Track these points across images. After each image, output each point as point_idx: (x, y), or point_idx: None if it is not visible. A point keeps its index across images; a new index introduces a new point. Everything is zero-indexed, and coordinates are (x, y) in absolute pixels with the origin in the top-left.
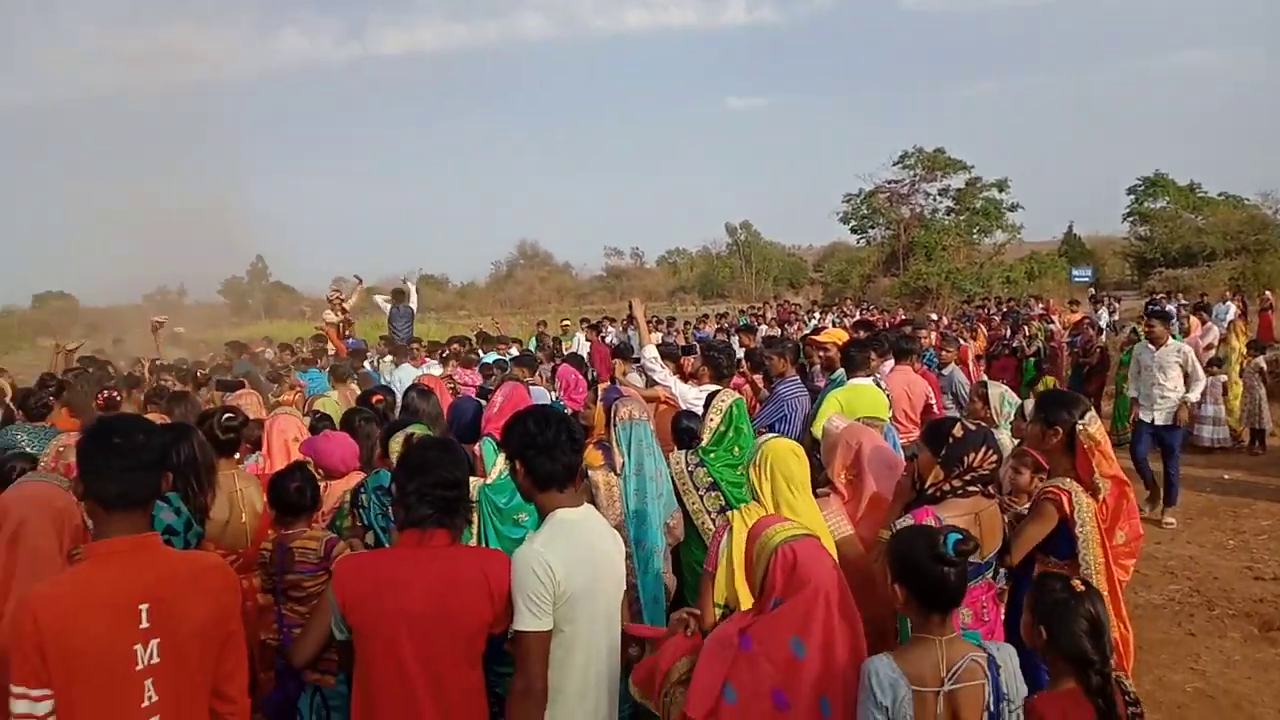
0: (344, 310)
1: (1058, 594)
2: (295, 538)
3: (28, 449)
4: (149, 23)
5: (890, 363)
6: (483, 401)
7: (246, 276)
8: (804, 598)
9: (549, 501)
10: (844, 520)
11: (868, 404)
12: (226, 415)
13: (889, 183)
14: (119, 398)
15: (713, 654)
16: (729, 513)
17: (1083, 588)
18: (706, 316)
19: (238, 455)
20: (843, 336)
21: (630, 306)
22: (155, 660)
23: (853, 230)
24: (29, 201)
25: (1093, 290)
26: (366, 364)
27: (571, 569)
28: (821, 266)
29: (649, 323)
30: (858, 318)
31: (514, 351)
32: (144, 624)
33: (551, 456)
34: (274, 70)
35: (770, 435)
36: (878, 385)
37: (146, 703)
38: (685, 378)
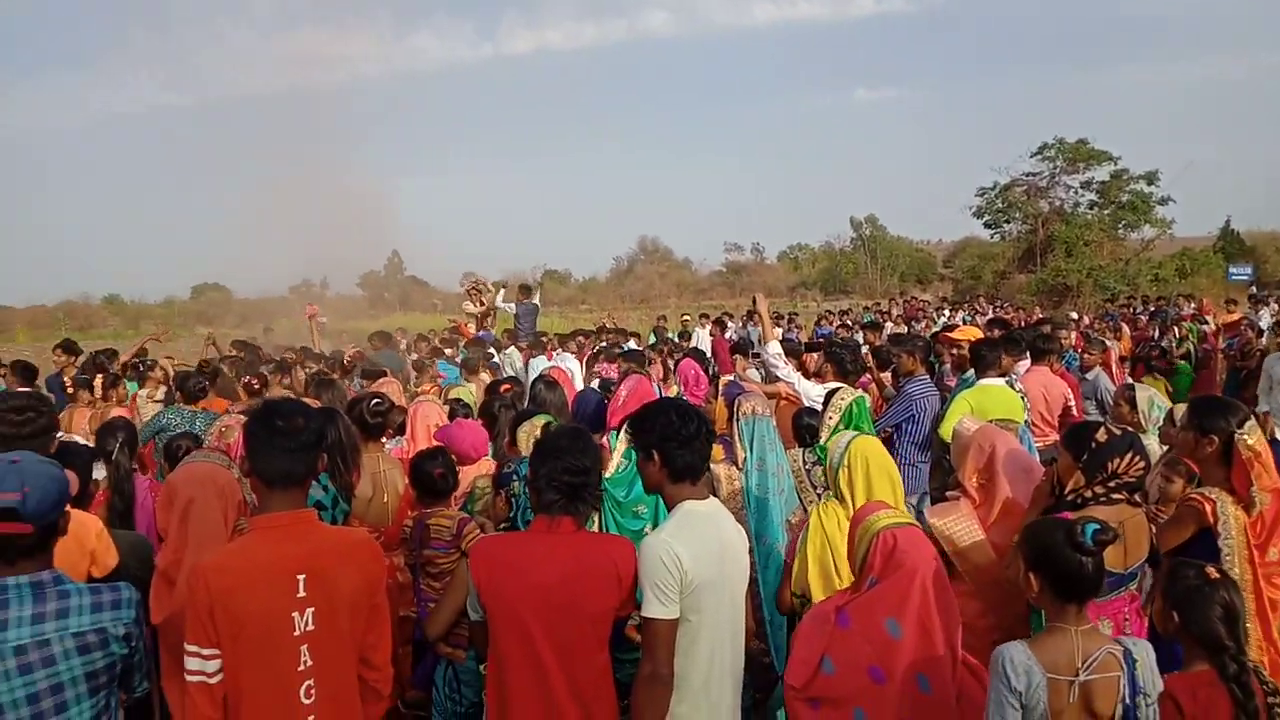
0: (482, 303)
1: (1191, 580)
2: (432, 515)
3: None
4: (297, 26)
5: (1026, 362)
6: (604, 394)
7: (383, 270)
8: (899, 579)
9: (678, 493)
10: (974, 525)
11: (1000, 405)
12: (375, 401)
13: (1027, 175)
14: (259, 384)
15: (811, 629)
16: (811, 508)
17: (1217, 575)
18: (829, 313)
19: (383, 439)
20: (977, 334)
21: (754, 302)
22: (310, 627)
23: (986, 225)
24: (189, 199)
25: (1253, 289)
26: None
27: (699, 560)
28: (951, 262)
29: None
30: (991, 315)
31: (632, 345)
32: (301, 593)
33: (691, 449)
34: (411, 71)
35: (853, 433)
36: (1011, 386)
37: (302, 666)
38: (808, 375)
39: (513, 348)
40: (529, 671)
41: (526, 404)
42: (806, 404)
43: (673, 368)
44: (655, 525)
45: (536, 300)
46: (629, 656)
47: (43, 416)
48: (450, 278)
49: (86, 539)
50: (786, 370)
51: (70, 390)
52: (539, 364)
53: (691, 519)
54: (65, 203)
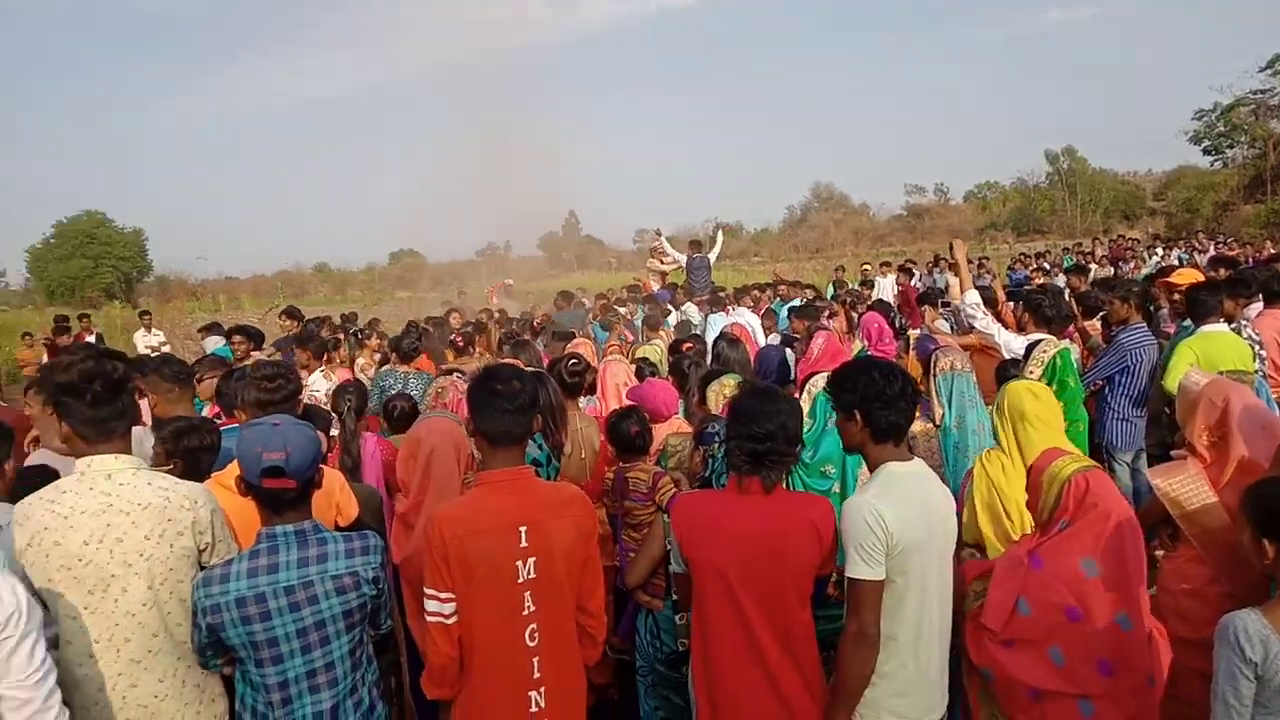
0: (663, 261)
1: None
2: (631, 469)
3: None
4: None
5: (1258, 305)
6: (788, 350)
7: (561, 231)
8: (1094, 520)
9: (882, 454)
10: (1204, 486)
11: (1230, 355)
12: (572, 361)
13: (1254, 93)
14: (464, 342)
15: (1005, 573)
16: (976, 458)
17: None
18: (1024, 256)
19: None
20: (1197, 277)
21: (951, 249)
22: (532, 575)
23: (1205, 152)
24: (388, 171)
25: None
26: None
27: (904, 521)
28: (1163, 195)
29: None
30: (1213, 253)
31: (796, 302)
32: (523, 543)
33: (895, 409)
34: (582, 32)
35: (1014, 382)
36: (1238, 333)
37: (526, 610)
38: (1006, 326)
39: (690, 304)
40: (733, 624)
41: (710, 362)
42: (1008, 356)
43: (856, 321)
44: (843, 485)
45: (714, 255)
46: (825, 613)
47: (291, 383)
48: (624, 235)
49: (333, 492)
50: (985, 321)
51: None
52: (717, 320)
53: (896, 480)
54: (280, 180)
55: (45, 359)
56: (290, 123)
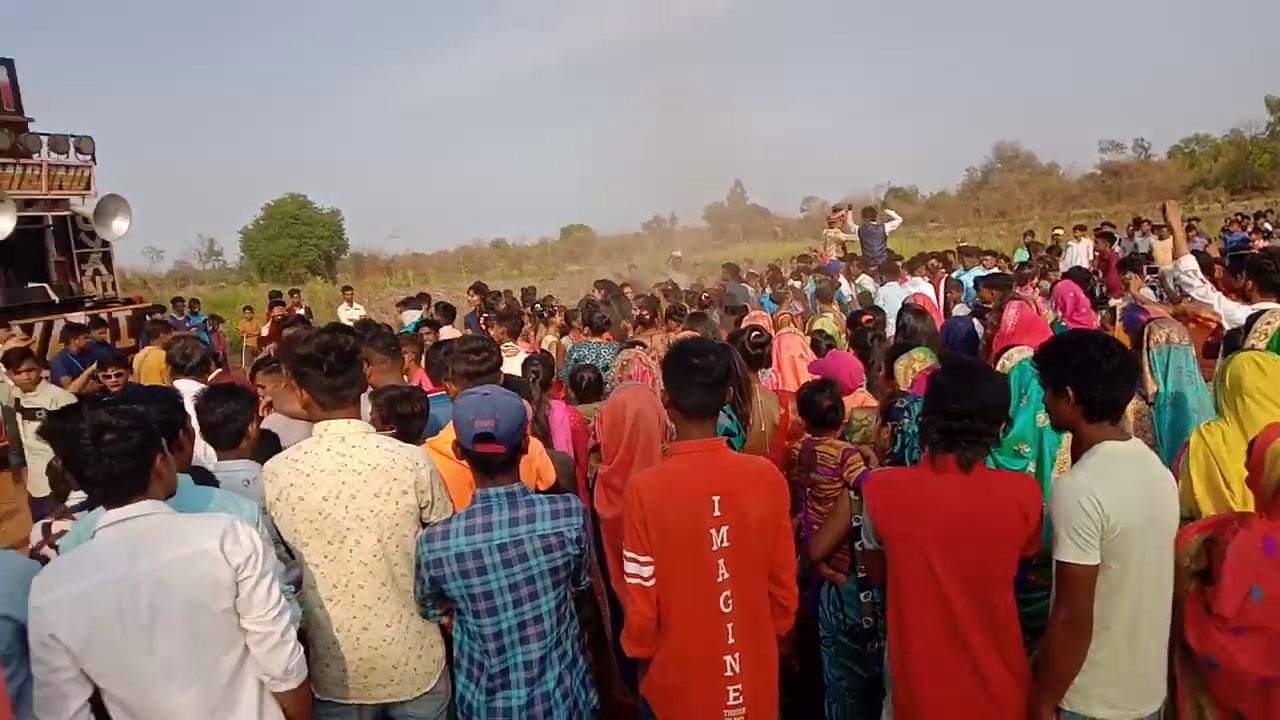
0: (845, 230)
1: None
2: (820, 443)
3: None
4: None
5: None
6: (976, 321)
7: (726, 201)
8: None
9: (1097, 433)
10: None
11: None
12: (755, 333)
13: None
14: (650, 316)
15: (1238, 559)
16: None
17: None
18: (1240, 216)
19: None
20: None
21: (1164, 210)
22: (725, 544)
23: None
24: (561, 145)
25: None
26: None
27: (1121, 505)
28: None
29: (1163, 227)
30: None
31: (979, 270)
32: (716, 512)
33: (1113, 385)
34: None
35: (1239, 352)
36: None
37: (720, 578)
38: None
39: (864, 275)
40: (933, 604)
41: (894, 334)
42: (1229, 327)
43: (1048, 290)
44: (1040, 465)
45: (891, 225)
46: (1026, 596)
47: (495, 355)
48: (791, 204)
49: (533, 458)
50: (1204, 289)
51: (484, 328)
52: (889, 292)
53: (1113, 461)
54: (463, 159)
55: (265, 331)
56: (470, 104)
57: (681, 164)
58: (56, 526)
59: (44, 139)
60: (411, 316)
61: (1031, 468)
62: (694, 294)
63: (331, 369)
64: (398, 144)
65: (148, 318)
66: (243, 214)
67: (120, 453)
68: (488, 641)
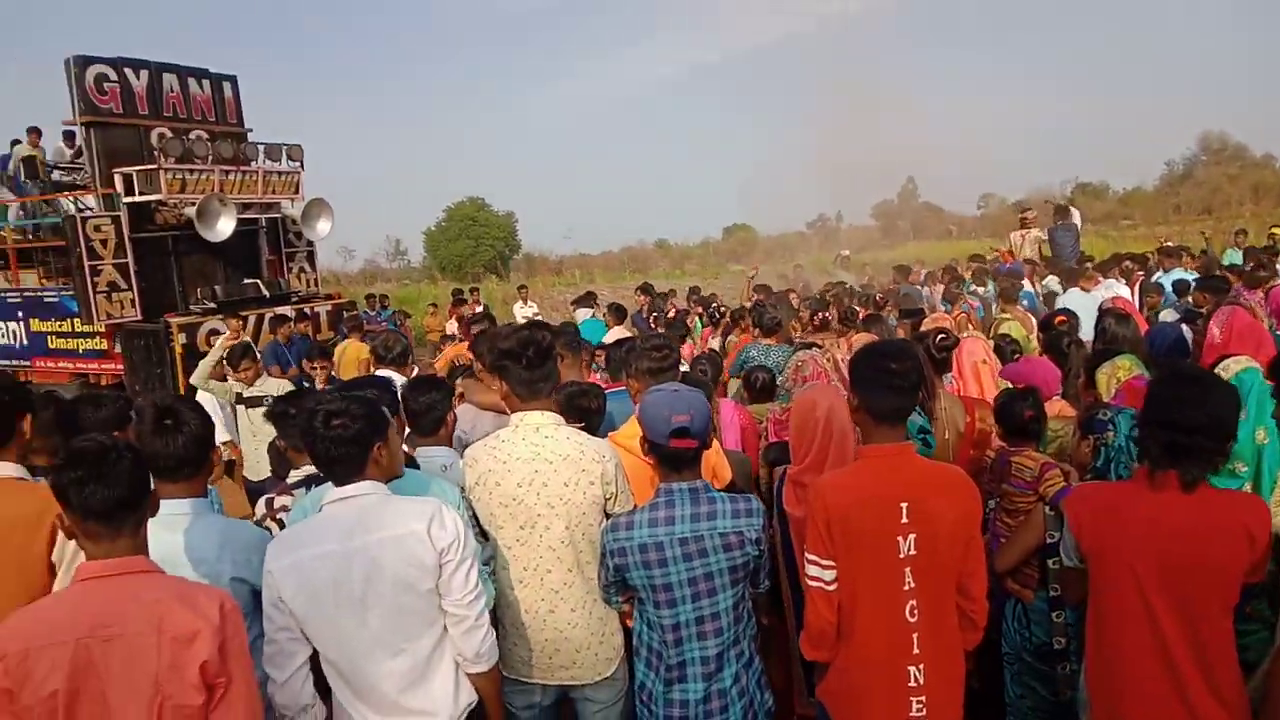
0: (1027, 226)
1: None
2: (1017, 453)
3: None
4: None
5: None
6: (1184, 327)
7: (895, 199)
8: None
9: None
10: None
11: None
12: (940, 336)
13: None
14: (830, 318)
15: None
16: None
17: None
18: None
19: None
20: None
21: None
22: (913, 552)
23: None
24: (723, 143)
25: None
26: (1026, 284)
27: None
28: None
29: None
30: None
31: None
32: (904, 519)
33: None
34: None
35: None
36: None
37: (906, 586)
38: None
39: (1051, 276)
40: (1141, 628)
41: (1094, 340)
42: None
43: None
44: (1256, 485)
45: (1076, 220)
46: (1240, 628)
47: (674, 353)
48: (966, 202)
49: (710, 456)
50: None
51: (653, 326)
52: (1078, 297)
53: None
54: (627, 161)
55: (448, 328)
56: (634, 106)
57: (848, 161)
58: (278, 501)
59: (261, 148)
60: (584, 314)
61: (1247, 487)
62: (866, 295)
63: (530, 363)
64: (568, 147)
65: (344, 313)
66: (426, 216)
67: (343, 439)
68: (666, 633)
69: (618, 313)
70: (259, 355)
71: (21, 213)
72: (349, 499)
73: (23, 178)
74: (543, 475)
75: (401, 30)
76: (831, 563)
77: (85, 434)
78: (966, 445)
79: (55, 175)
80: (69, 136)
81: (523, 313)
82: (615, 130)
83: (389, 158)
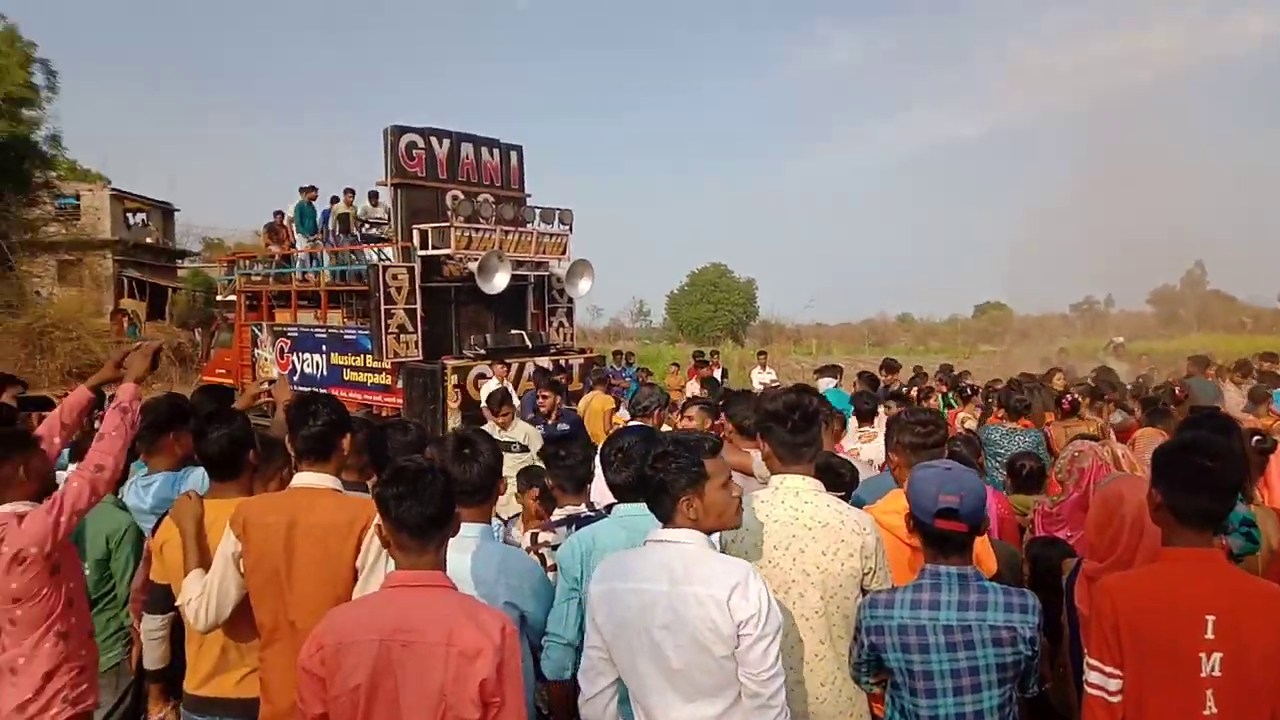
0: None
1: None
2: None
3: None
4: (1087, 36)
5: None
6: None
7: (1179, 284)
8: None
9: None
10: None
11: None
12: (1257, 438)
13: None
14: (1070, 406)
15: None
16: None
17: None
18: None
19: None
20: None
21: None
22: (1217, 673)
23: None
24: (977, 220)
25: None
26: None
27: None
28: None
29: None
30: None
31: None
32: (1209, 634)
33: None
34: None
35: None
36: None
37: (1207, 711)
38: None
39: None
40: None
41: None
42: None
43: None
44: None
45: None
46: None
47: (941, 429)
48: (1266, 290)
49: (975, 543)
50: None
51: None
52: None
53: None
54: (871, 233)
55: (687, 388)
56: (883, 178)
57: (1122, 241)
58: (542, 536)
59: (537, 211)
60: (827, 384)
61: None
62: (1143, 387)
63: (795, 426)
64: (813, 216)
65: (593, 366)
66: (669, 280)
67: (672, 483)
68: None
69: (871, 383)
70: (516, 402)
71: (333, 260)
72: (669, 543)
73: (337, 231)
74: (800, 541)
75: (659, 107)
76: (1117, 671)
77: (393, 456)
78: (1277, 565)
79: (364, 229)
80: (374, 196)
81: (760, 378)
82: (862, 201)
83: (639, 221)
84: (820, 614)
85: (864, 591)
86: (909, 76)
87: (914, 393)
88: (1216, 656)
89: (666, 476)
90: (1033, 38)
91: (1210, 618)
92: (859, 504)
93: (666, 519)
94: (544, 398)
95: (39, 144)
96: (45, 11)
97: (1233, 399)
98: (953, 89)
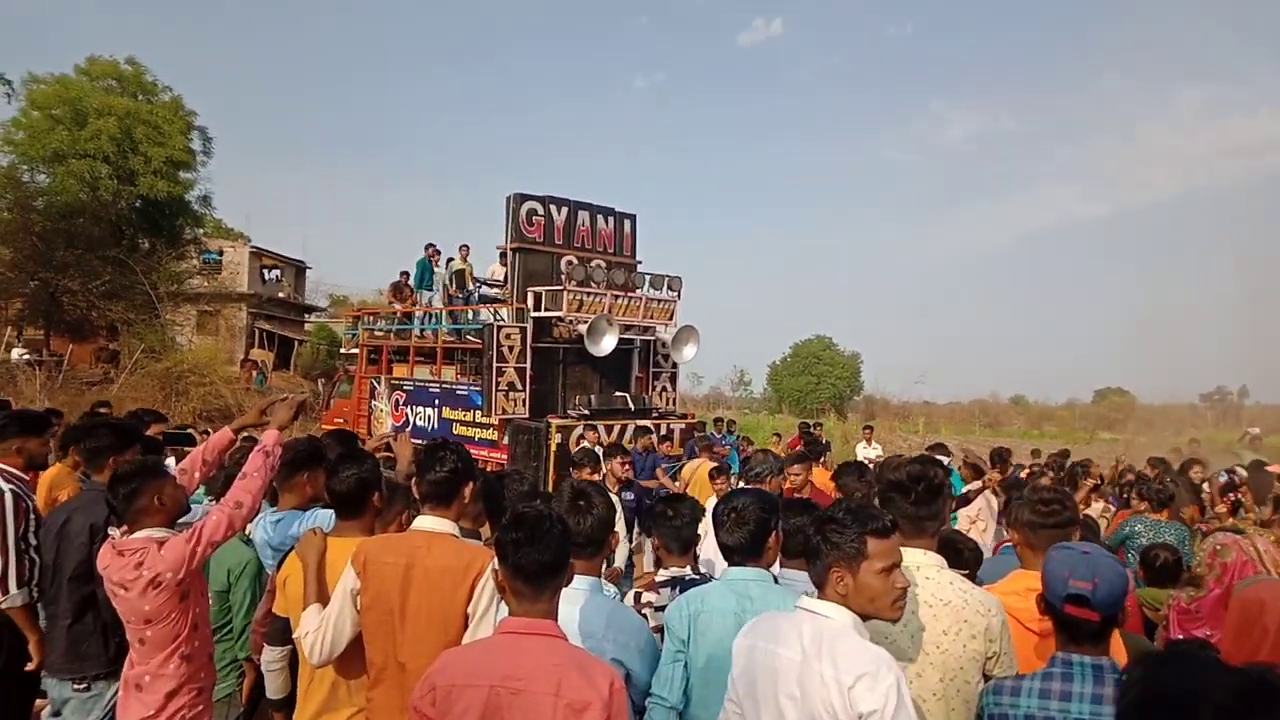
0: None
1: None
2: None
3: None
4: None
5: None
6: None
7: None
8: None
9: None
10: None
11: None
12: None
13: None
14: (1244, 499)
15: None
16: None
17: None
18: None
19: None
20: None
21: None
22: None
23: None
24: (1100, 302)
25: None
26: None
27: None
28: None
29: None
30: None
31: None
32: None
33: None
34: None
35: None
36: None
37: None
38: None
39: None
40: None
41: None
42: None
43: None
44: None
45: None
46: None
47: (1067, 510)
48: None
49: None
50: None
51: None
52: None
53: None
54: (986, 312)
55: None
56: (1000, 257)
57: (1258, 330)
58: (645, 596)
59: (647, 277)
60: None
61: None
62: None
63: (919, 498)
64: (923, 294)
65: (695, 432)
66: (771, 350)
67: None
68: None
69: (975, 470)
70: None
71: (450, 319)
72: (814, 614)
73: (454, 286)
74: (919, 618)
75: (770, 174)
76: None
77: (509, 505)
78: None
79: (483, 289)
80: (503, 257)
81: (866, 453)
82: (978, 279)
83: (744, 291)
84: (939, 697)
85: (987, 678)
86: (1030, 155)
87: (1026, 475)
88: None
89: (822, 544)
90: (1159, 116)
91: None
92: (980, 584)
93: (820, 588)
94: (622, 463)
95: (191, 203)
96: (198, 77)
97: None
98: (1075, 168)
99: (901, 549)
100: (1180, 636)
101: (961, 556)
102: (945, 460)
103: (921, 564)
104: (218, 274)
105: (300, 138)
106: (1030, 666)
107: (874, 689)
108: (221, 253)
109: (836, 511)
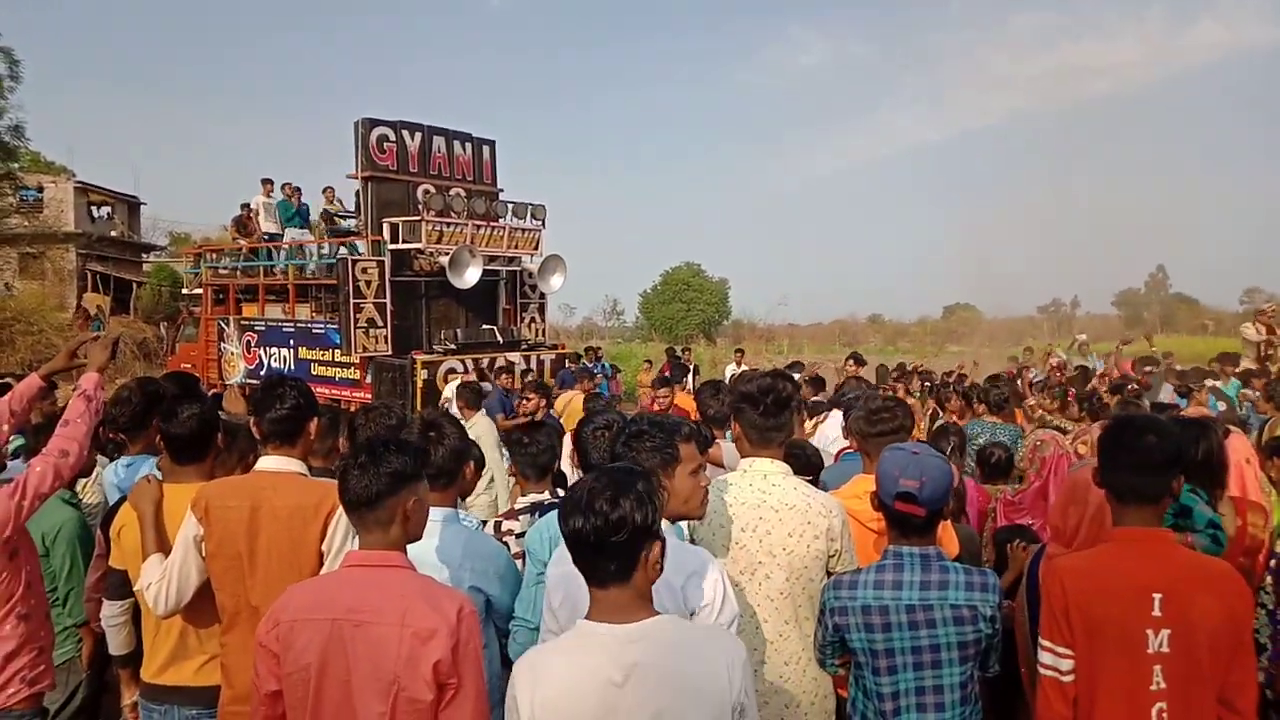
0: (1271, 330)
1: None
2: None
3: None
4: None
5: None
6: None
7: (1143, 288)
8: None
9: None
10: None
11: None
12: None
13: None
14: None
15: None
16: None
17: None
18: None
19: None
20: None
21: None
22: (1164, 649)
23: None
24: (947, 223)
25: None
26: None
27: None
28: None
29: None
30: None
31: None
32: (1156, 612)
33: None
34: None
35: None
36: None
37: (1154, 687)
38: None
39: None
40: None
41: None
42: None
43: None
44: None
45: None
46: None
47: (899, 418)
48: (1228, 296)
49: (945, 527)
50: None
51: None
52: None
53: None
54: (844, 234)
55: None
56: (853, 180)
57: (1088, 245)
58: (505, 525)
59: (509, 206)
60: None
61: None
62: (1120, 385)
63: (767, 410)
64: (784, 217)
65: (566, 362)
66: (642, 279)
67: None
68: (884, 701)
69: (815, 384)
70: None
71: (300, 254)
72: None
73: (324, 229)
74: (766, 523)
75: (629, 105)
76: (1068, 651)
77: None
78: (1236, 551)
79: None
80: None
81: (733, 374)
82: (833, 203)
83: (612, 221)
84: (786, 595)
85: (829, 574)
86: (879, 80)
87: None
88: (1164, 633)
89: (639, 455)
90: (1000, 43)
91: (1157, 595)
92: (825, 488)
93: None
94: (528, 400)
95: (1, 134)
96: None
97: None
98: (922, 93)
99: (751, 458)
100: (1004, 524)
101: (809, 463)
102: (795, 376)
103: (769, 472)
104: (39, 213)
105: (124, 60)
106: (870, 561)
107: (702, 585)
108: (41, 189)
109: (641, 425)
